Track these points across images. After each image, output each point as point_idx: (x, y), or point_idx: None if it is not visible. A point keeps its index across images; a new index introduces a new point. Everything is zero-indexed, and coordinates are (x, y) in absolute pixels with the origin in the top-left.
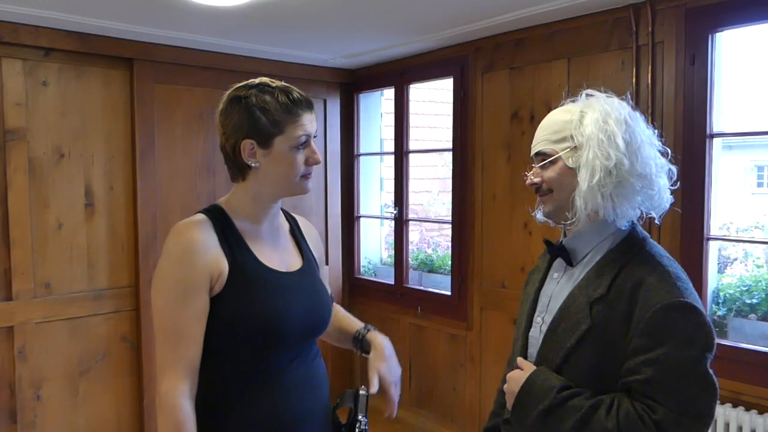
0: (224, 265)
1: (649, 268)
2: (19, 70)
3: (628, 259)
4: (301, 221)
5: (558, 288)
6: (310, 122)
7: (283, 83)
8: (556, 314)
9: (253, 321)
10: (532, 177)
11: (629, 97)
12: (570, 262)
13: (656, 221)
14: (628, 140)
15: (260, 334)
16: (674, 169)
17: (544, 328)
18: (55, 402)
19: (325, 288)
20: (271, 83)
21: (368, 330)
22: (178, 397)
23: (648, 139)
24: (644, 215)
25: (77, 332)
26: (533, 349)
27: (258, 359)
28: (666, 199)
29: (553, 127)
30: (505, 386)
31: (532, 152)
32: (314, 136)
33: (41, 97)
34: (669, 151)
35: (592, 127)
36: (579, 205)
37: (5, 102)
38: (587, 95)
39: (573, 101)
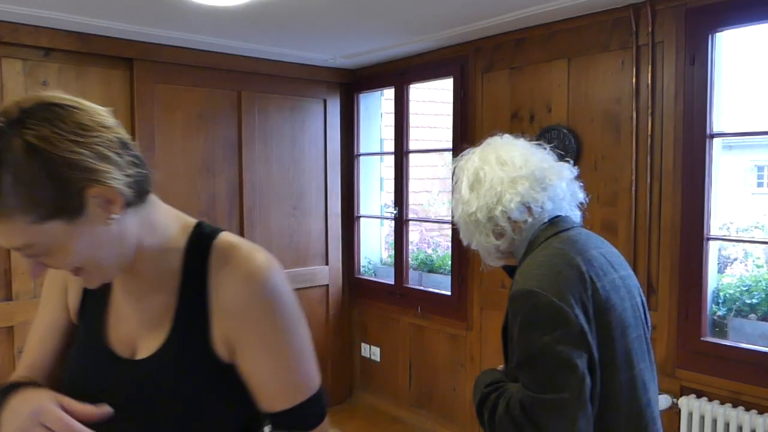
0: (73, 305)
1: (525, 263)
2: (19, 70)
3: (524, 259)
4: (225, 267)
5: None
6: None
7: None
8: None
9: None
10: None
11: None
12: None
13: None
14: (465, 197)
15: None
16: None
17: None
18: None
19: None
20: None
21: None
22: None
23: (509, 167)
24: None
25: None
26: None
27: None
28: (511, 206)
29: None
30: None
31: None
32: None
33: None
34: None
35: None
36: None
37: (5, 102)
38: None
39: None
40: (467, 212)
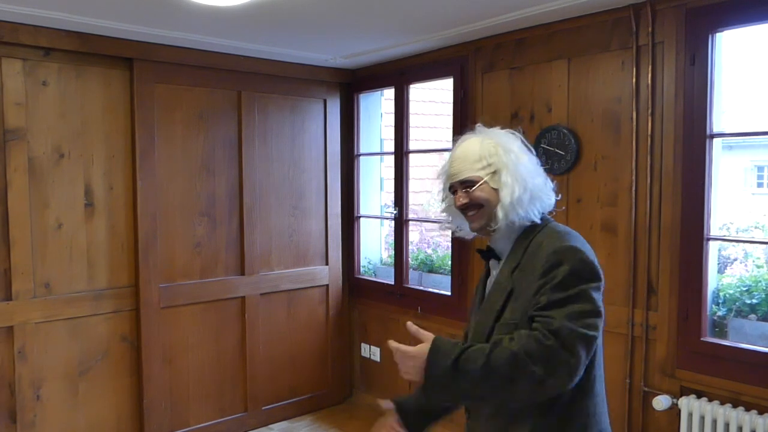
0: None
1: (547, 234)
2: (19, 70)
3: (534, 234)
4: None
5: (495, 276)
6: None
7: None
8: (490, 288)
9: None
10: (461, 199)
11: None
12: (498, 258)
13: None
14: (527, 163)
15: None
16: (549, 180)
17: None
18: (55, 402)
19: None
20: None
21: None
22: None
23: (535, 158)
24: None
25: (77, 332)
26: None
27: None
28: (552, 201)
29: (472, 156)
30: (409, 361)
31: (456, 180)
32: None
33: (41, 97)
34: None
35: (505, 155)
36: (500, 216)
37: (5, 102)
38: (479, 128)
39: (472, 133)
40: (528, 181)
